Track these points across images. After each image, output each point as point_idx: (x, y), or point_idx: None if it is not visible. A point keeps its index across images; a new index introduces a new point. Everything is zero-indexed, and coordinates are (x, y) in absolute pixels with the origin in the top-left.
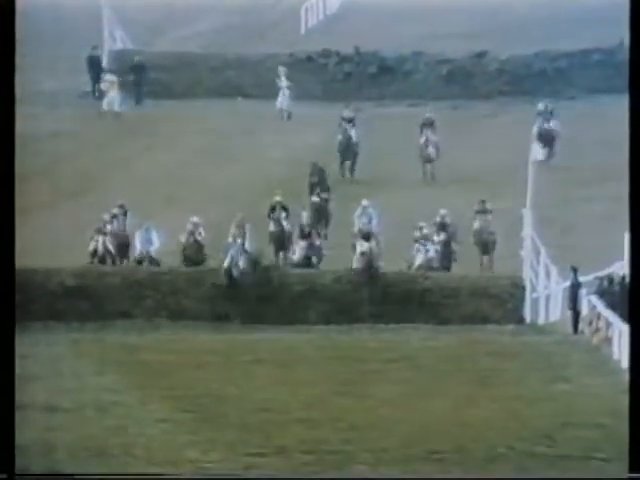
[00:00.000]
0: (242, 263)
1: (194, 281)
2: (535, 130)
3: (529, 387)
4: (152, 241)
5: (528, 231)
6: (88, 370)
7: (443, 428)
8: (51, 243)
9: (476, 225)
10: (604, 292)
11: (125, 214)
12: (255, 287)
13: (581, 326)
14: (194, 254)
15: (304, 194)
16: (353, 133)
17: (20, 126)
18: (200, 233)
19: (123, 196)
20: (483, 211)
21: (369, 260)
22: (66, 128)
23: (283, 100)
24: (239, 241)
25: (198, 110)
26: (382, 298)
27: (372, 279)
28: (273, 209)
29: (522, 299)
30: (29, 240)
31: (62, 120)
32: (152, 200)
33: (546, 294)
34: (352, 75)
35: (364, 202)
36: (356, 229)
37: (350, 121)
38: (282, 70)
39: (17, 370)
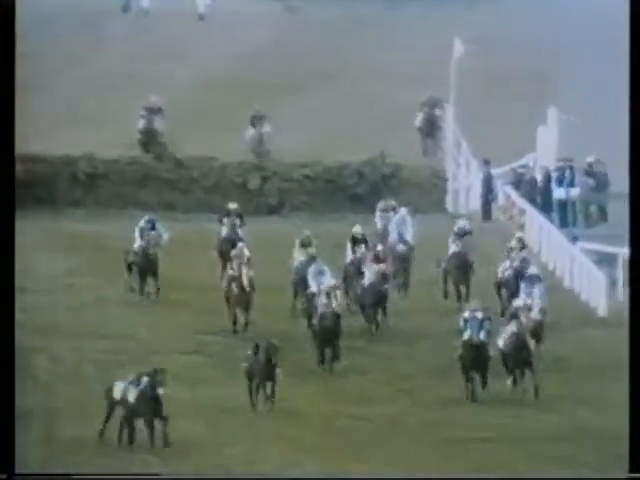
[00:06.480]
0: (483, 335)
1: (150, 171)
2: (419, 121)
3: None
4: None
5: (450, 124)
6: (50, 255)
7: None
8: None
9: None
10: (519, 182)
11: (153, 227)
12: None
13: (497, 214)
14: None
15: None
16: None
17: None
18: None
19: None
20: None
21: (522, 339)
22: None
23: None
24: (479, 315)
25: None
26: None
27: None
28: (227, 214)
29: (444, 190)
30: None
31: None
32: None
33: (466, 185)
34: None
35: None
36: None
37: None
38: None
39: None
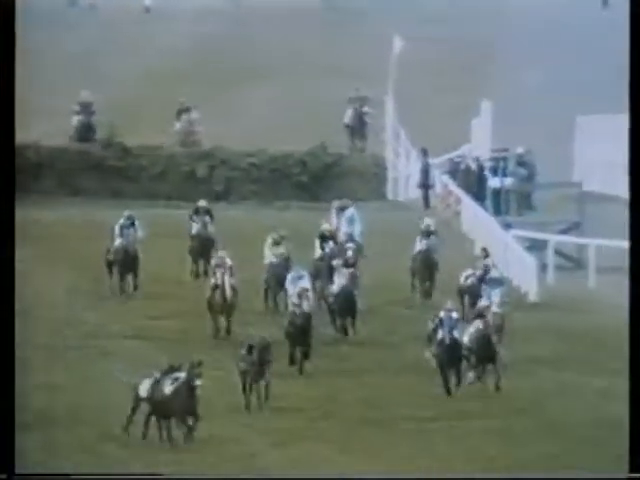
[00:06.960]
0: (457, 333)
1: (98, 160)
2: (348, 118)
3: (391, 253)
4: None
5: (389, 115)
6: None
7: None
8: None
9: None
10: (456, 171)
11: (133, 224)
12: None
13: (434, 202)
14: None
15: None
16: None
17: None
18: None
19: None
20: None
21: (487, 337)
22: None
23: None
24: (454, 315)
25: None
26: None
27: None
28: (197, 212)
29: (385, 178)
30: None
31: None
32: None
33: (406, 174)
34: None
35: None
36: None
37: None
38: None
39: None
